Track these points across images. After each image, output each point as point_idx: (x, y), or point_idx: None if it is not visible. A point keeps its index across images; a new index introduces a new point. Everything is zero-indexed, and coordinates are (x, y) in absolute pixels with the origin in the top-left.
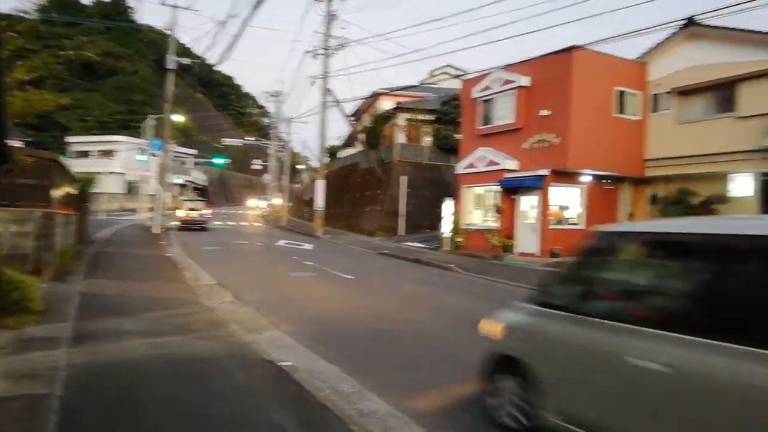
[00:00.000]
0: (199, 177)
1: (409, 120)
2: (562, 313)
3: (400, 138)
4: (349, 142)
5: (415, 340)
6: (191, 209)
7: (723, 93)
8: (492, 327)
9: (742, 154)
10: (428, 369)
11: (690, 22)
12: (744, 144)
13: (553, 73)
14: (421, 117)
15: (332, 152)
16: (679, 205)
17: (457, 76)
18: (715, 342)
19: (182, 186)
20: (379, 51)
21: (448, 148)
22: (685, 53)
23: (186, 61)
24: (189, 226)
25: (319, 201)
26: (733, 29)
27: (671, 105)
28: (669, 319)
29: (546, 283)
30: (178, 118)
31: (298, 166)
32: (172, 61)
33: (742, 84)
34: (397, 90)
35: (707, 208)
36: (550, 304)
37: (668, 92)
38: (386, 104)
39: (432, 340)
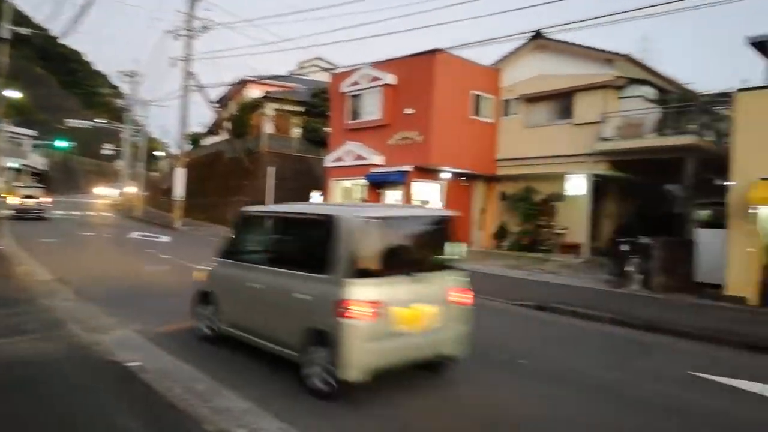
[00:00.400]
0: (38, 161)
1: (277, 110)
2: (228, 260)
3: (268, 128)
4: (213, 130)
5: None
6: (27, 196)
7: (563, 102)
8: (199, 275)
9: (578, 157)
10: None
11: (537, 34)
12: (579, 148)
13: (417, 74)
14: (290, 108)
15: (195, 139)
16: (525, 201)
17: (326, 70)
18: (281, 269)
19: (17, 171)
20: (247, 37)
21: (318, 141)
22: (532, 63)
23: (24, 31)
24: (24, 216)
25: (179, 190)
26: (573, 44)
27: (520, 110)
28: (265, 259)
29: (223, 243)
30: (12, 94)
31: (156, 153)
32: (5, 29)
33: (579, 94)
34: (265, 78)
35: (547, 204)
36: (223, 255)
37: (517, 98)
38: (254, 93)
39: None
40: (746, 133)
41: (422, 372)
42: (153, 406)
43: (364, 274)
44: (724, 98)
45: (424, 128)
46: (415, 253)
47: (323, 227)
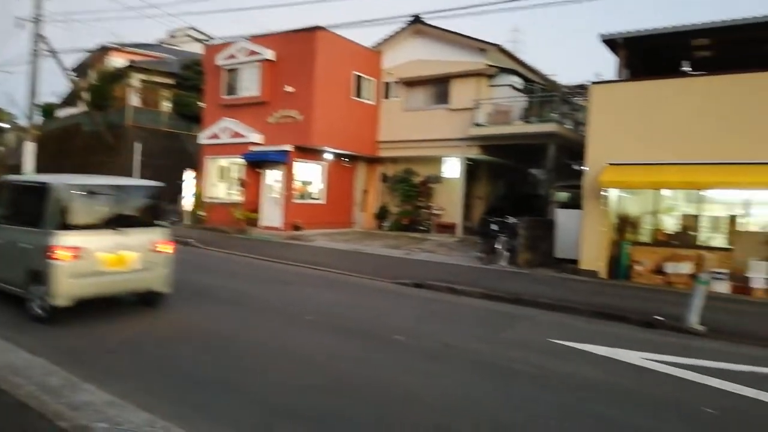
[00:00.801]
0: None
1: (144, 82)
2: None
3: (134, 101)
4: (70, 101)
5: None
6: None
7: (440, 87)
8: None
9: (453, 141)
10: None
11: (416, 19)
12: (455, 132)
13: (297, 50)
14: (159, 80)
15: (48, 110)
16: (405, 183)
17: (200, 41)
18: (14, 226)
19: None
20: (110, 1)
21: (191, 116)
22: (411, 47)
23: None
24: None
25: (29, 166)
26: (449, 31)
27: (399, 93)
28: (2, 218)
29: None
30: None
31: (0, 125)
32: None
33: (454, 81)
34: (130, 47)
35: (426, 186)
36: None
37: (397, 81)
38: (118, 61)
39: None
40: (598, 123)
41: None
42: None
43: (70, 227)
44: (582, 90)
45: (305, 107)
46: (122, 213)
47: (41, 192)
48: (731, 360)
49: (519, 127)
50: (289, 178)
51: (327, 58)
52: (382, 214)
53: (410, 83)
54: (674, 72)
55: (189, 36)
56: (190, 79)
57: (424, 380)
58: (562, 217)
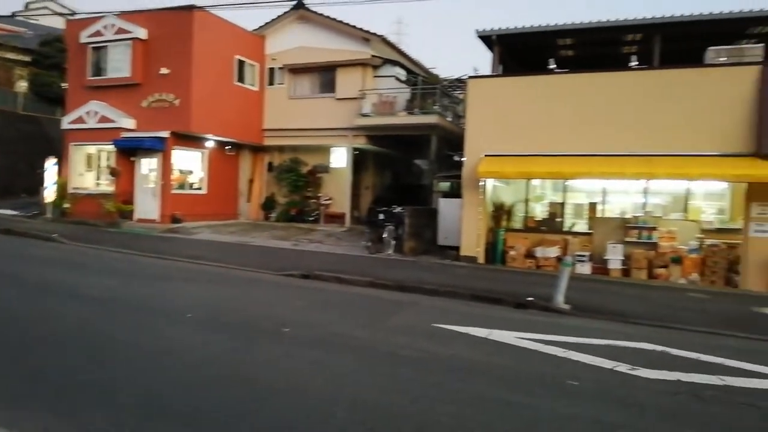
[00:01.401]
0: None
1: None
2: None
3: None
4: None
5: None
6: None
7: (326, 75)
8: None
9: (340, 130)
10: None
11: (300, 4)
12: (342, 122)
13: (173, 30)
14: (13, 56)
15: None
16: (292, 172)
17: (61, 14)
18: None
19: None
20: None
21: (52, 98)
22: (295, 33)
23: None
24: None
25: None
26: (333, 19)
27: (284, 80)
28: None
29: None
30: None
31: None
32: None
33: (340, 70)
34: None
35: (314, 176)
36: None
37: (281, 68)
38: None
39: None
40: (475, 116)
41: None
42: None
43: None
44: (461, 83)
45: (182, 91)
46: None
47: None
48: (592, 335)
49: (403, 118)
50: (166, 166)
51: (205, 39)
52: (269, 205)
53: (296, 70)
54: (542, 69)
55: (48, 9)
56: (51, 57)
57: (310, 370)
58: (444, 206)
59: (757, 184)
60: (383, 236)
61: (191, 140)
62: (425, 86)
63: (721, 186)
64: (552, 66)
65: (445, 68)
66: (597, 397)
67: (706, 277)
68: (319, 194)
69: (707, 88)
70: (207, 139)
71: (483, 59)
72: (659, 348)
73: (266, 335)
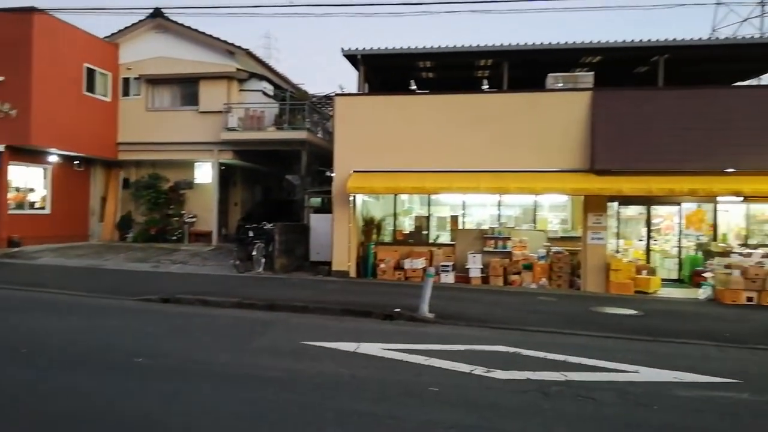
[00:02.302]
0: None
1: None
2: None
3: None
4: None
5: None
6: None
7: (188, 88)
8: None
9: (205, 145)
10: None
11: (157, 12)
12: (206, 136)
13: (9, 34)
14: None
15: None
16: (152, 189)
17: None
18: None
19: None
20: None
21: None
22: (153, 43)
23: None
24: None
25: None
26: (195, 30)
27: (141, 91)
28: None
29: None
30: None
31: None
32: None
33: (203, 82)
34: None
35: (176, 192)
36: None
37: (138, 78)
38: None
39: None
40: (343, 132)
41: None
42: None
43: None
44: (330, 100)
45: (20, 101)
46: None
47: None
48: (453, 341)
49: (271, 134)
50: (1, 184)
51: (49, 45)
52: (125, 224)
53: (154, 81)
54: (406, 89)
55: None
56: None
57: (165, 402)
58: (316, 222)
59: (592, 197)
60: (252, 254)
61: (31, 155)
62: (294, 101)
63: (563, 199)
64: (414, 87)
65: (317, 84)
66: (456, 402)
67: (553, 281)
68: (183, 212)
69: (549, 111)
70: (50, 154)
71: (354, 76)
72: (512, 350)
73: (116, 368)
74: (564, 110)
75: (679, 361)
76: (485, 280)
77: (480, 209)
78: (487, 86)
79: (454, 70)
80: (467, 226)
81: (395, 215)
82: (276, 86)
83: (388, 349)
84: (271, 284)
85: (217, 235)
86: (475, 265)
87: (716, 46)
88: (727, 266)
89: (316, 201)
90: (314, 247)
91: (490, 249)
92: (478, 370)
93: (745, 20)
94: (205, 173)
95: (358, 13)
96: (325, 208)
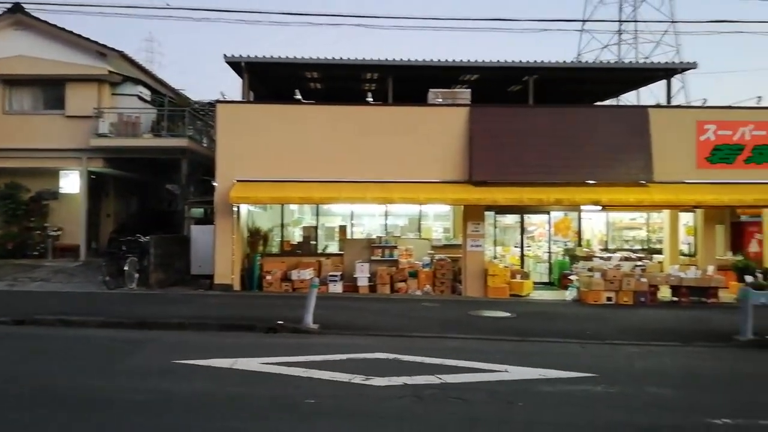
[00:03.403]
0: None
1: None
2: None
3: None
4: None
5: None
6: None
7: (53, 90)
8: None
9: (72, 152)
10: None
11: (17, 8)
12: (74, 142)
13: None
14: None
15: None
16: (9, 200)
17: None
18: None
19: None
20: None
21: None
22: (11, 40)
23: None
24: None
25: None
26: (61, 29)
27: None
28: None
29: None
30: None
31: None
32: None
33: (70, 84)
34: None
35: (38, 203)
36: None
37: None
38: None
39: None
40: (226, 141)
41: None
42: None
43: None
44: (213, 107)
45: None
46: None
47: None
48: (335, 351)
49: (148, 141)
50: None
51: None
52: None
53: (12, 82)
54: (293, 99)
55: None
56: None
57: None
58: (197, 233)
59: (470, 207)
60: (125, 269)
61: None
62: (174, 108)
63: (446, 208)
64: (299, 96)
65: (206, 92)
66: (332, 412)
67: (437, 287)
68: (46, 224)
69: (431, 125)
70: None
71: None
72: (392, 356)
73: None
74: (445, 124)
75: (545, 358)
76: (373, 288)
77: (369, 219)
78: (373, 99)
79: (341, 82)
80: (356, 236)
81: (283, 226)
82: (155, 91)
83: (268, 363)
84: (145, 301)
85: (86, 249)
86: (362, 274)
87: (579, 69)
88: (590, 269)
89: (197, 212)
90: (195, 260)
91: (378, 258)
92: (357, 379)
93: (605, 47)
94: (72, 182)
95: (238, 20)
96: (208, 219)
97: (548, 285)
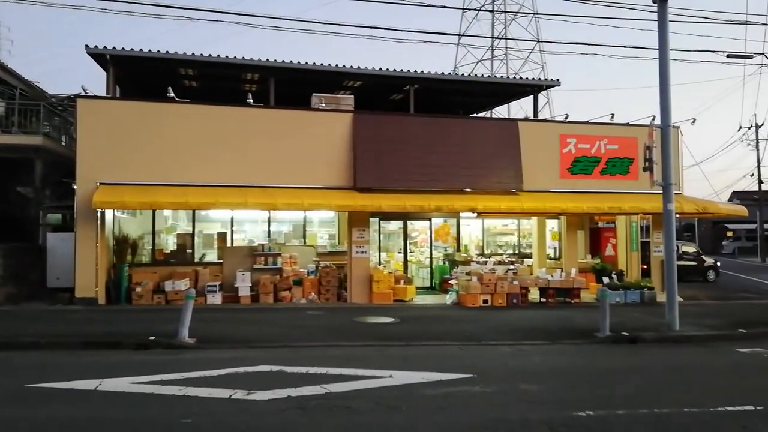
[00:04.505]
0: None
1: None
2: None
3: None
4: None
5: None
6: None
7: None
8: None
9: None
10: None
11: None
12: None
13: None
14: None
15: None
16: None
17: None
18: None
19: None
20: None
21: None
22: None
23: None
24: None
25: None
26: None
27: None
28: None
29: None
30: None
31: None
32: None
33: None
34: None
35: None
36: None
37: None
38: None
39: None
40: (88, 139)
41: None
42: None
43: None
44: (73, 102)
45: None
46: None
47: None
48: (213, 366)
49: None
50: None
51: None
52: None
53: None
54: (165, 96)
55: None
56: None
57: None
58: (55, 242)
59: (355, 213)
60: None
61: None
62: (27, 101)
63: (331, 215)
64: (172, 95)
65: (62, 84)
66: (210, 431)
67: (322, 295)
68: None
69: (316, 129)
70: None
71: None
72: (276, 368)
73: None
74: (329, 130)
75: (427, 362)
76: (255, 298)
77: (251, 225)
78: (253, 101)
79: (220, 81)
80: (237, 243)
81: (155, 233)
82: (2, 82)
83: (138, 383)
84: None
85: None
86: (244, 284)
87: (458, 81)
88: (468, 273)
89: (55, 218)
90: (53, 272)
91: (261, 266)
92: (238, 394)
93: (479, 61)
94: None
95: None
96: (67, 226)
97: (430, 289)
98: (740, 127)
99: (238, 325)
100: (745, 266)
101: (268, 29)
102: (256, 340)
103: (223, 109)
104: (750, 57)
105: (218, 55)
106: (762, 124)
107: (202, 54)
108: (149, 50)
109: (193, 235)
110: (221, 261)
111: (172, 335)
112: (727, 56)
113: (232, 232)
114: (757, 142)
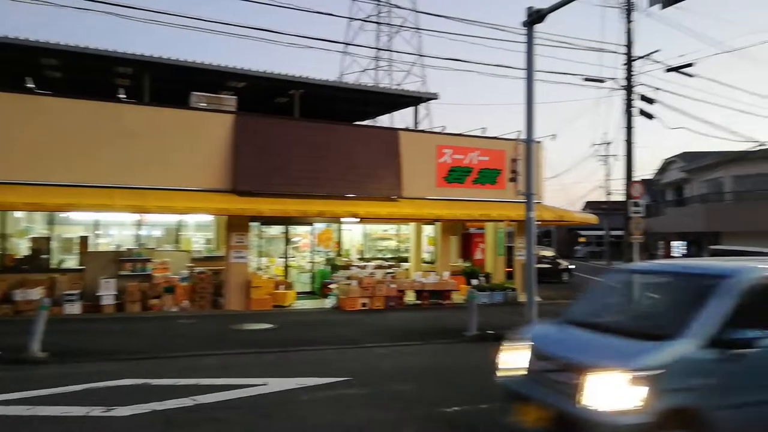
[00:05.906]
0: None
1: None
2: None
3: None
4: None
5: None
6: None
7: None
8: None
9: None
10: None
11: None
12: None
13: None
14: None
15: None
16: None
17: None
18: None
19: None
20: None
21: None
22: None
23: None
24: None
25: None
26: None
27: None
28: None
29: None
30: None
31: None
32: None
33: None
34: None
35: None
36: None
37: None
38: None
39: None
40: None
41: None
42: None
43: None
44: None
45: None
46: None
47: None
48: (69, 382)
49: None
50: None
51: None
52: None
53: None
54: (22, 87)
55: None
56: None
57: None
58: None
59: (234, 217)
60: None
61: None
62: None
63: (208, 218)
64: (32, 85)
65: None
66: None
67: (196, 302)
68: None
69: (195, 130)
70: None
71: None
72: (141, 381)
73: None
74: (209, 131)
75: (304, 367)
76: (120, 307)
77: (118, 229)
78: (127, 96)
79: (88, 74)
80: (102, 248)
81: (4, 237)
82: None
83: None
84: None
85: None
86: (107, 292)
87: (341, 88)
88: (348, 278)
89: None
90: None
91: (128, 272)
92: (96, 411)
93: (364, 70)
94: None
95: None
96: None
97: (311, 294)
98: (593, 144)
99: (99, 337)
100: (595, 268)
101: (145, 22)
102: (120, 351)
103: (91, 104)
104: (602, 81)
105: (86, 46)
106: (611, 142)
107: (67, 44)
108: (5, 36)
109: (49, 239)
110: (83, 267)
111: (21, 349)
112: (585, 79)
113: (96, 236)
114: (607, 158)
